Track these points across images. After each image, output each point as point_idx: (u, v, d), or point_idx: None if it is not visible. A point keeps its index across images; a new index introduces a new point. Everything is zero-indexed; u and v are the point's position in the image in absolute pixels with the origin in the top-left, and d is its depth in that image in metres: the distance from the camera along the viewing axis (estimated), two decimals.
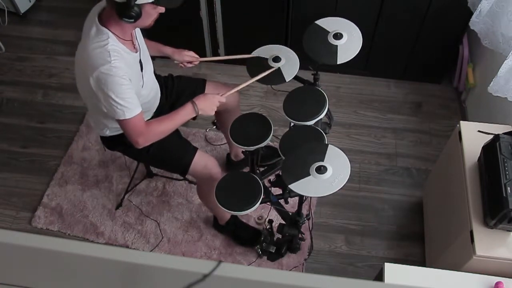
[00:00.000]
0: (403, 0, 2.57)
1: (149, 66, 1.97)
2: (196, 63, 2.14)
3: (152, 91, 2.00)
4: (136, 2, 1.58)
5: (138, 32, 1.89)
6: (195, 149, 2.05)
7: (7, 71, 3.17)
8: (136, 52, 1.83)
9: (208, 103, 1.87)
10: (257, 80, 1.98)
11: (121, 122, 1.74)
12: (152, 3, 1.62)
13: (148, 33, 2.22)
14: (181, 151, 2.05)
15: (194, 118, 1.94)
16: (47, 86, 3.08)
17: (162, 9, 1.71)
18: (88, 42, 1.68)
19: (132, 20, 1.62)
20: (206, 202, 2.30)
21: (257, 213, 2.46)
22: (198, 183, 2.21)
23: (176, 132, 2.14)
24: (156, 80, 2.07)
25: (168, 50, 2.11)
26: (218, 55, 3.05)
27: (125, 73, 1.67)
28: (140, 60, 1.86)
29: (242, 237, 2.39)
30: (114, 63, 1.63)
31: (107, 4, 1.66)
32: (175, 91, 2.16)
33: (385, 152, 2.74)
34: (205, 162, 2.05)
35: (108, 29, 1.68)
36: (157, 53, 2.14)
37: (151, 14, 1.68)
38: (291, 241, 2.17)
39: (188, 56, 2.11)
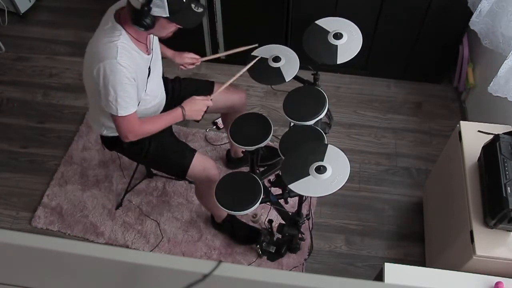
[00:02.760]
0: (403, 0, 2.57)
1: (156, 73, 1.97)
2: (198, 63, 2.15)
3: (157, 99, 2.00)
4: (151, 13, 1.59)
5: (155, 39, 1.90)
6: (193, 152, 2.06)
7: (7, 71, 3.17)
8: (149, 54, 1.84)
9: (195, 107, 1.90)
10: (255, 79, 1.98)
11: (113, 118, 1.78)
12: (166, 18, 1.63)
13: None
14: (179, 154, 2.05)
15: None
16: (47, 86, 3.09)
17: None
18: (100, 35, 1.71)
19: (143, 29, 1.63)
20: (203, 201, 2.31)
21: (253, 211, 2.46)
22: (196, 184, 2.22)
23: (173, 135, 2.14)
24: (163, 93, 2.07)
25: (168, 53, 2.12)
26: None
27: (130, 72, 1.68)
28: (149, 65, 1.87)
29: (239, 235, 2.39)
30: (120, 60, 1.65)
31: (126, 6, 1.67)
32: (182, 96, 2.13)
33: (385, 152, 2.74)
34: (203, 165, 2.05)
35: (123, 27, 1.70)
36: None
37: (166, 28, 1.70)
38: (291, 241, 2.18)
39: (189, 58, 2.12)
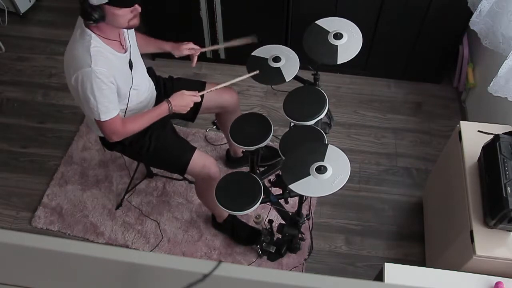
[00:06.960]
0: (403, 0, 2.57)
1: (140, 66, 1.98)
2: (197, 54, 2.13)
3: (146, 92, 2.02)
4: (91, 3, 1.58)
5: (130, 32, 1.90)
6: (193, 149, 2.06)
7: (7, 71, 3.17)
8: (125, 52, 1.83)
9: (183, 103, 1.91)
10: (255, 79, 1.98)
11: (96, 122, 1.80)
12: (108, 3, 1.60)
13: (148, 33, 2.22)
14: (179, 150, 2.06)
15: (171, 116, 1.97)
16: (47, 86, 3.09)
17: (137, 9, 1.69)
18: (73, 43, 1.72)
19: (92, 22, 1.62)
20: (204, 200, 2.31)
21: (255, 212, 2.46)
22: (196, 182, 2.22)
23: (174, 132, 2.14)
24: (151, 81, 2.07)
25: (167, 47, 2.12)
26: (218, 54, 3.05)
27: (107, 76, 1.69)
28: (130, 60, 1.87)
29: (240, 235, 2.39)
30: (95, 67, 1.65)
31: None
32: (173, 92, 2.16)
33: (385, 152, 2.74)
34: (203, 162, 2.06)
35: (91, 30, 1.69)
36: (157, 50, 2.14)
37: (119, 15, 1.65)
38: (291, 241, 2.17)
39: (187, 50, 2.11)
